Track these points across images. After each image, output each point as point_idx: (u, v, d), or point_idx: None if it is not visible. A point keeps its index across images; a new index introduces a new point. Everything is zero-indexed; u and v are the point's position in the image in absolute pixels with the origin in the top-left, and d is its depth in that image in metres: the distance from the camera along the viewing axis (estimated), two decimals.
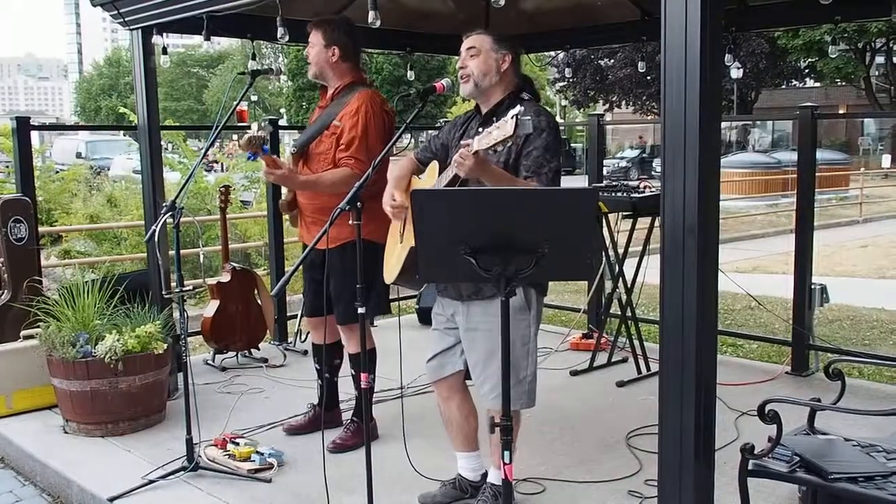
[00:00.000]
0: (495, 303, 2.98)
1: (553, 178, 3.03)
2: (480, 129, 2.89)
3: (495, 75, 3.15)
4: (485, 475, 3.48)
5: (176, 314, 4.29)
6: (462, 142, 2.87)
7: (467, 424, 3.42)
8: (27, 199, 5.02)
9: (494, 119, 2.83)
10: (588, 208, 2.47)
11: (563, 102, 41.91)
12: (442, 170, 3.19)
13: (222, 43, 65.19)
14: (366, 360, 3.21)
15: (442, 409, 3.45)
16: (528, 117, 2.50)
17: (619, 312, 5.40)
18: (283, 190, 4.28)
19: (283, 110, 48.48)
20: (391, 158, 3.41)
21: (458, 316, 3.24)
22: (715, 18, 2.40)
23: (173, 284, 3.86)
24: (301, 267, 3.26)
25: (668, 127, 2.45)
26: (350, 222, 3.00)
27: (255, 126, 3.80)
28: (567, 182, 3.13)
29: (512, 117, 2.51)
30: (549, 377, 5.18)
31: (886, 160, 29.98)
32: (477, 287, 3.12)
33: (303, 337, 5.98)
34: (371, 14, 3.57)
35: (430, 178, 3.23)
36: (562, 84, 37.06)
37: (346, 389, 4.35)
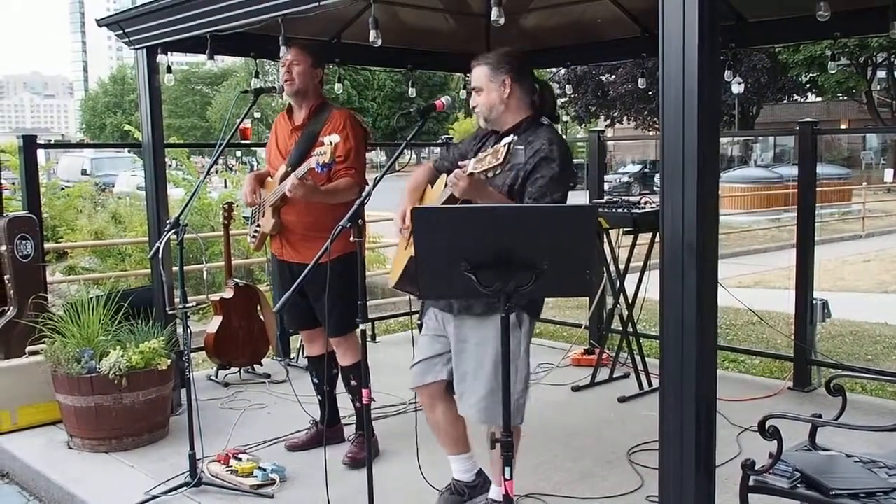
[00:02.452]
0: (486, 319, 3.09)
1: None
2: (479, 152, 2.93)
3: (500, 105, 3.18)
4: (479, 472, 3.51)
5: (179, 330, 4.30)
6: (460, 163, 2.94)
7: (455, 429, 3.43)
8: (33, 216, 5.04)
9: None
10: (588, 225, 2.49)
11: (565, 118, 41.98)
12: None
13: (226, 61, 65.54)
14: (365, 375, 3.22)
15: (427, 416, 3.46)
16: (521, 147, 2.64)
17: (621, 328, 5.40)
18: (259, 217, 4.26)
19: None
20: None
21: (448, 327, 3.27)
22: (712, 35, 2.41)
23: (177, 300, 3.87)
24: (276, 282, 3.28)
25: (667, 143, 2.46)
26: (351, 239, 3.04)
27: (334, 137, 3.77)
28: (570, 197, 3.15)
29: (504, 145, 2.56)
30: (551, 393, 5.18)
31: (889, 174, 29.94)
32: (468, 303, 3.14)
33: (305, 352, 5.97)
34: (372, 34, 3.59)
35: (437, 190, 3.28)
36: (563, 100, 37.13)
37: (345, 405, 4.35)
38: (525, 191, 3.06)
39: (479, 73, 3.20)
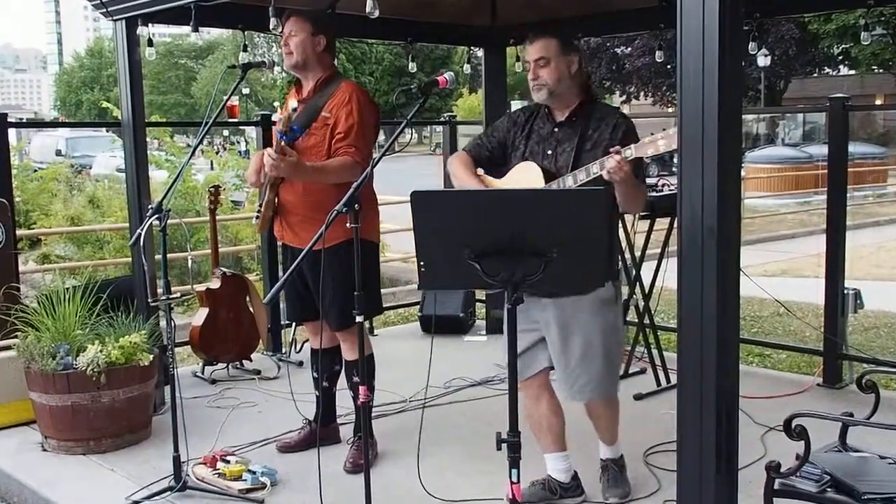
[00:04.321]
0: (584, 298, 3.32)
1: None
2: (592, 134, 3.32)
3: (568, 80, 3.38)
4: (575, 476, 3.69)
5: (163, 323, 4.31)
6: (612, 149, 3.10)
7: (557, 423, 3.63)
8: (4, 200, 5.03)
9: (575, 119, 3.36)
10: (598, 210, 2.49)
11: None
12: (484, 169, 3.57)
13: (212, 32, 65.37)
14: (364, 370, 3.24)
15: (530, 412, 3.61)
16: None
17: (637, 320, 5.40)
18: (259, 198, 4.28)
19: (276, 104, 48.56)
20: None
21: (543, 314, 3.42)
22: (735, 4, 2.41)
23: (160, 291, 3.88)
24: (283, 271, 3.31)
25: (685, 121, 2.46)
26: (347, 225, 3.04)
27: (292, 103, 3.97)
28: None
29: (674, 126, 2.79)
30: None
31: None
32: None
33: (298, 347, 6.00)
34: (369, 4, 3.59)
35: (528, 182, 3.36)
36: None
37: (345, 403, 4.36)
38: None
39: (548, 46, 3.37)
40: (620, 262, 5.49)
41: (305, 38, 3.96)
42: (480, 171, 3.59)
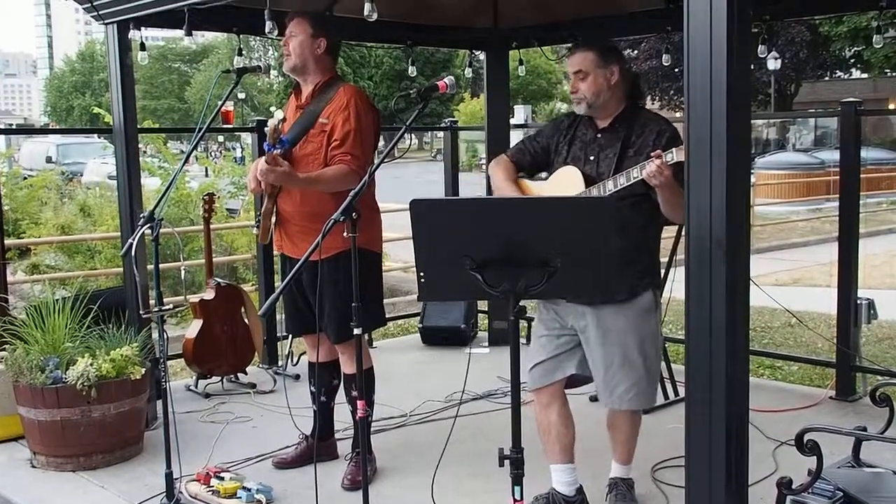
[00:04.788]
0: (624, 305, 3.40)
1: None
2: (635, 140, 3.40)
3: (607, 92, 3.46)
4: (580, 489, 3.69)
5: (155, 335, 4.30)
6: (653, 153, 3.17)
7: (567, 433, 3.68)
8: None
9: (618, 126, 3.45)
10: (602, 219, 2.49)
11: None
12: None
13: (206, 36, 65.59)
14: (363, 384, 3.23)
15: (540, 419, 3.68)
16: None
17: None
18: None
19: (273, 108, 48.67)
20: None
21: (581, 321, 3.50)
22: (743, 6, 2.41)
23: (152, 303, 3.89)
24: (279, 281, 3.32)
25: (693, 127, 2.46)
26: (345, 234, 3.04)
27: (279, 113, 3.99)
28: None
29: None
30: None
31: None
32: (611, 291, 3.33)
33: (294, 360, 5.99)
34: (367, 6, 3.60)
35: (570, 186, 3.45)
36: None
37: (343, 418, 4.36)
38: None
39: (586, 59, 3.46)
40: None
41: (305, 40, 3.95)
42: (522, 175, 3.71)
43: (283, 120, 3.94)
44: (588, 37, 6.14)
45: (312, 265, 3.61)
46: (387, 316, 4.47)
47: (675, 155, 3.07)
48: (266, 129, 3.89)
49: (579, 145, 3.56)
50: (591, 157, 3.50)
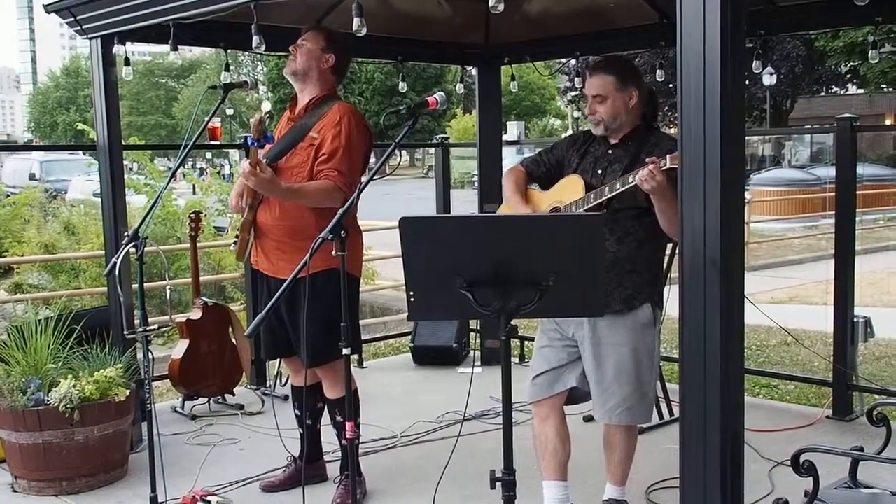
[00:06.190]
0: (620, 318, 3.44)
1: None
2: (644, 158, 3.31)
3: (624, 115, 3.55)
4: None
5: (140, 356, 4.29)
6: (648, 159, 3.21)
7: (563, 450, 3.68)
8: None
9: (629, 143, 3.53)
10: (594, 237, 2.50)
11: (576, 114, 42.11)
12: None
13: (194, 51, 65.69)
14: (352, 407, 3.21)
15: (537, 432, 3.70)
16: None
17: None
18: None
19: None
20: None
21: (579, 332, 3.54)
22: (737, 21, 2.43)
23: (137, 322, 3.86)
24: (250, 298, 3.29)
25: (686, 145, 2.47)
26: (333, 253, 3.04)
27: (265, 105, 3.92)
28: None
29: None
30: None
31: None
32: (606, 301, 3.33)
33: (283, 381, 5.97)
34: (356, 21, 3.60)
35: (571, 192, 3.52)
36: (574, 94, 37.26)
37: (331, 439, 4.34)
38: None
39: (605, 83, 3.53)
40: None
41: (314, 50, 3.96)
42: (533, 186, 3.78)
43: (269, 114, 3.93)
44: (582, 51, 6.25)
45: (290, 284, 3.55)
46: (378, 335, 4.45)
47: (668, 161, 3.10)
48: (251, 121, 3.86)
49: (590, 159, 3.65)
50: (599, 171, 3.58)
